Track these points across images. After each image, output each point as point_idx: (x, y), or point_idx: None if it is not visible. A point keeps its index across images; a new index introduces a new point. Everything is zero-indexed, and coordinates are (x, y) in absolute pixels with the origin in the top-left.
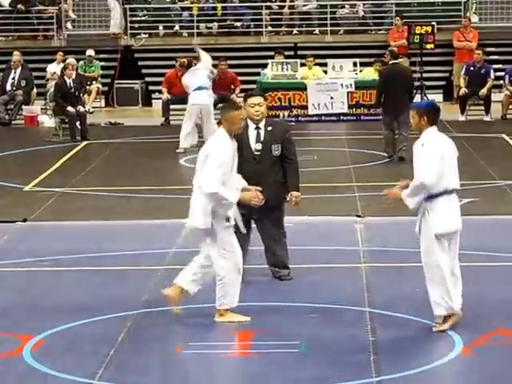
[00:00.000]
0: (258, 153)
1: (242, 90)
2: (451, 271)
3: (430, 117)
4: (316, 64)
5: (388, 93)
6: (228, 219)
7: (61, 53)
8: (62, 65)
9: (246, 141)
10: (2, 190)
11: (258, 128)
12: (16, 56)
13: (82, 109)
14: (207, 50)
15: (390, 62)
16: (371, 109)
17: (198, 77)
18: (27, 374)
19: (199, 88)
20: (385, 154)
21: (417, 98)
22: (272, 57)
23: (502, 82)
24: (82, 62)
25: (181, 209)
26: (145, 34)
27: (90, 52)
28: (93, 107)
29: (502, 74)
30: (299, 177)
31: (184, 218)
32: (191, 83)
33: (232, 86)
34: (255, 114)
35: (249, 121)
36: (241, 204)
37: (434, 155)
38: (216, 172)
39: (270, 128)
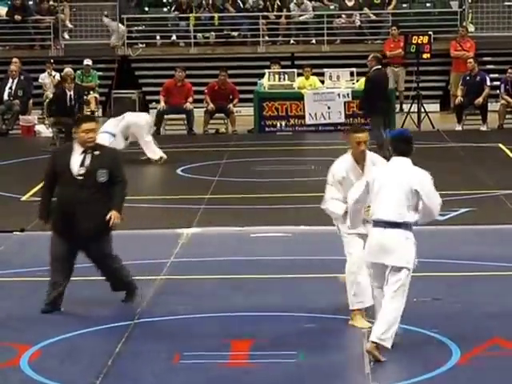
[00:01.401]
0: (81, 177)
1: (240, 100)
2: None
3: (394, 146)
4: (313, 74)
5: (377, 96)
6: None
7: (48, 64)
8: (53, 74)
9: (66, 165)
10: None
11: (84, 152)
12: (13, 65)
13: None
14: (204, 60)
15: (376, 67)
16: (362, 113)
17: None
18: None
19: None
20: None
21: (413, 108)
22: (269, 67)
23: (498, 91)
24: (79, 72)
25: (178, 218)
26: (142, 43)
27: (88, 61)
28: None
29: (498, 83)
30: (124, 200)
31: (181, 227)
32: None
33: (230, 97)
34: (88, 140)
35: (76, 145)
36: (65, 235)
37: (361, 180)
38: (327, 190)
39: (97, 152)
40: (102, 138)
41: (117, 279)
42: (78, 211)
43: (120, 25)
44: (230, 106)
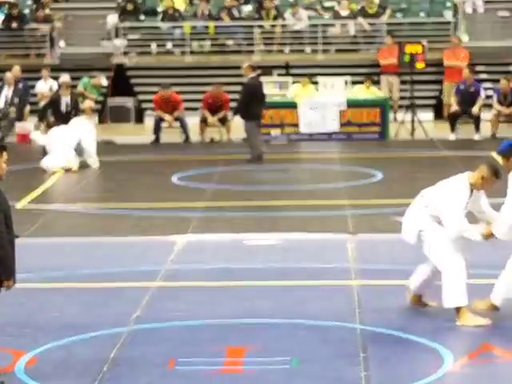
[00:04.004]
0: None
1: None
2: None
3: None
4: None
5: (254, 102)
6: None
7: (44, 70)
8: (49, 81)
9: (8, 204)
10: None
11: None
12: (10, 73)
13: None
14: (199, 69)
15: (252, 75)
16: (235, 115)
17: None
18: None
19: None
20: (371, 172)
21: (408, 117)
22: (264, 75)
23: (490, 101)
24: (86, 80)
25: (173, 226)
26: (137, 52)
27: (104, 81)
28: None
29: (491, 92)
30: None
31: (176, 234)
32: None
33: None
34: (4, 173)
35: None
36: None
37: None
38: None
39: None
40: None
41: None
42: (12, 253)
43: (116, 41)
44: (221, 114)
